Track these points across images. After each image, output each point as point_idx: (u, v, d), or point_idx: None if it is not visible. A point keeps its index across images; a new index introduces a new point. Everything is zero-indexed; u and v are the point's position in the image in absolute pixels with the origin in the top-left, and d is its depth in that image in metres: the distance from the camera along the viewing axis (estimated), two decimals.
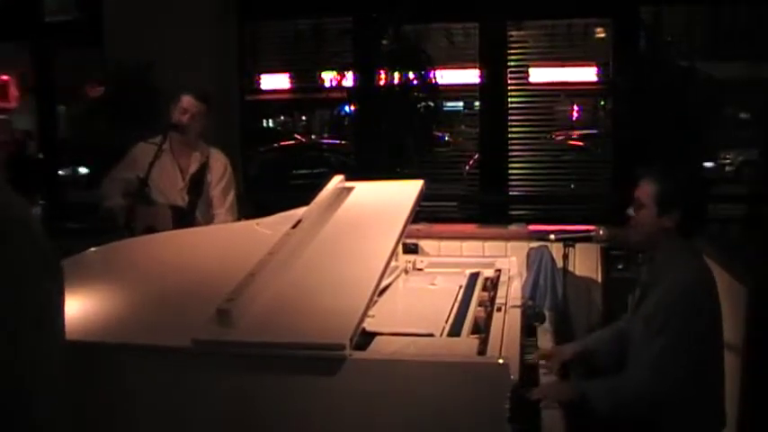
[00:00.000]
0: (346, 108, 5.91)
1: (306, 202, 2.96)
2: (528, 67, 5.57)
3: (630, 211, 2.59)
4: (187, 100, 3.75)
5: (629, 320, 2.82)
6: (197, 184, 3.76)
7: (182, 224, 3.56)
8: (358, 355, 1.97)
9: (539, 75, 5.64)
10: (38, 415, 1.20)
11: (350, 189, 3.12)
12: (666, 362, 2.36)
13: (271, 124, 9.40)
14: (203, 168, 3.79)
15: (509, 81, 5.50)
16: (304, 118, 10.18)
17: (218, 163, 3.88)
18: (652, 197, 2.50)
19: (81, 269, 2.71)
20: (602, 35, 5.67)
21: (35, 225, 1.25)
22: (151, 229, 3.44)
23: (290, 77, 6.66)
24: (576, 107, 6.05)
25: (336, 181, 3.17)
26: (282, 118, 9.95)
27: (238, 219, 3.91)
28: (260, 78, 6.45)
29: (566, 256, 3.77)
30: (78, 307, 2.31)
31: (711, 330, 2.48)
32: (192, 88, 3.80)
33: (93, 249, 2.91)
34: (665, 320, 2.38)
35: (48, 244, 1.26)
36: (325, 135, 8.71)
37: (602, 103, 5.81)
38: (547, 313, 3.46)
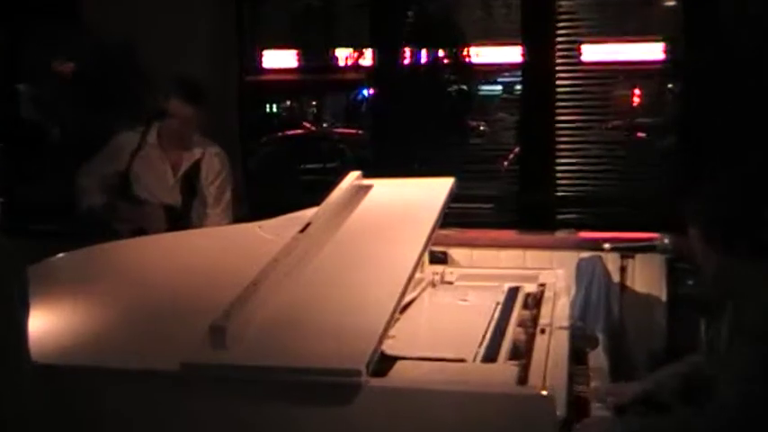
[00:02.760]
0: (364, 92, 5.93)
1: (316, 203, 2.98)
2: (580, 43, 5.55)
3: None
4: (175, 105, 3.76)
5: (708, 359, 2.80)
6: (191, 183, 3.79)
7: (176, 227, 3.59)
8: (376, 382, 1.97)
9: (592, 53, 5.62)
10: None
11: (367, 188, 3.14)
12: (755, 377, 2.34)
13: (275, 110, 9.46)
14: (197, 165, 3.82)
15: (557, 61, 5.48)
16: (314, 103, 10.23)
17: (215, 159, 3.91)
18: (699, 238, 2.55)
19: (49, 278, 2.72)
20: (670, 3, 5.64)
21: None
22: (141, 232, 3.48)
23: (297, 55, 6.67)
24: (637, 91, 6.02)
25: (352, 178, 3.19)
26: (288, 103, 10.01)
27: (233, 221, 3.93)
28: (262, 55, 6.45)
29: (623, 269, 3.78)
30: (48, 324, 2.33)
31: None
32: (180, 87, 3.80)
33: (62, 255, 2.93)
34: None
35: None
36: (339, 124, 8.75)
37: (670, 86, 5.77)
38: (600, 336, 3.46)
